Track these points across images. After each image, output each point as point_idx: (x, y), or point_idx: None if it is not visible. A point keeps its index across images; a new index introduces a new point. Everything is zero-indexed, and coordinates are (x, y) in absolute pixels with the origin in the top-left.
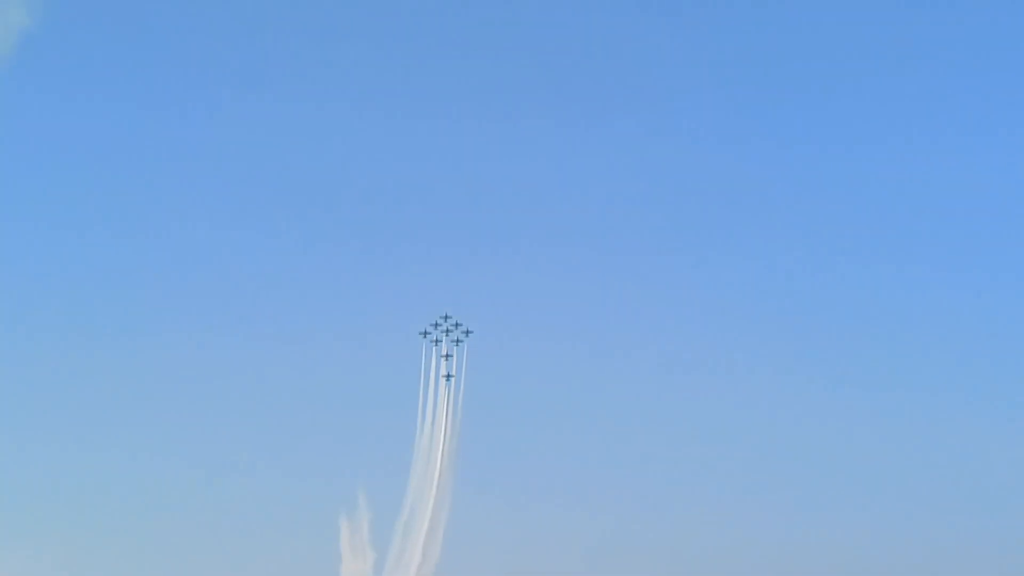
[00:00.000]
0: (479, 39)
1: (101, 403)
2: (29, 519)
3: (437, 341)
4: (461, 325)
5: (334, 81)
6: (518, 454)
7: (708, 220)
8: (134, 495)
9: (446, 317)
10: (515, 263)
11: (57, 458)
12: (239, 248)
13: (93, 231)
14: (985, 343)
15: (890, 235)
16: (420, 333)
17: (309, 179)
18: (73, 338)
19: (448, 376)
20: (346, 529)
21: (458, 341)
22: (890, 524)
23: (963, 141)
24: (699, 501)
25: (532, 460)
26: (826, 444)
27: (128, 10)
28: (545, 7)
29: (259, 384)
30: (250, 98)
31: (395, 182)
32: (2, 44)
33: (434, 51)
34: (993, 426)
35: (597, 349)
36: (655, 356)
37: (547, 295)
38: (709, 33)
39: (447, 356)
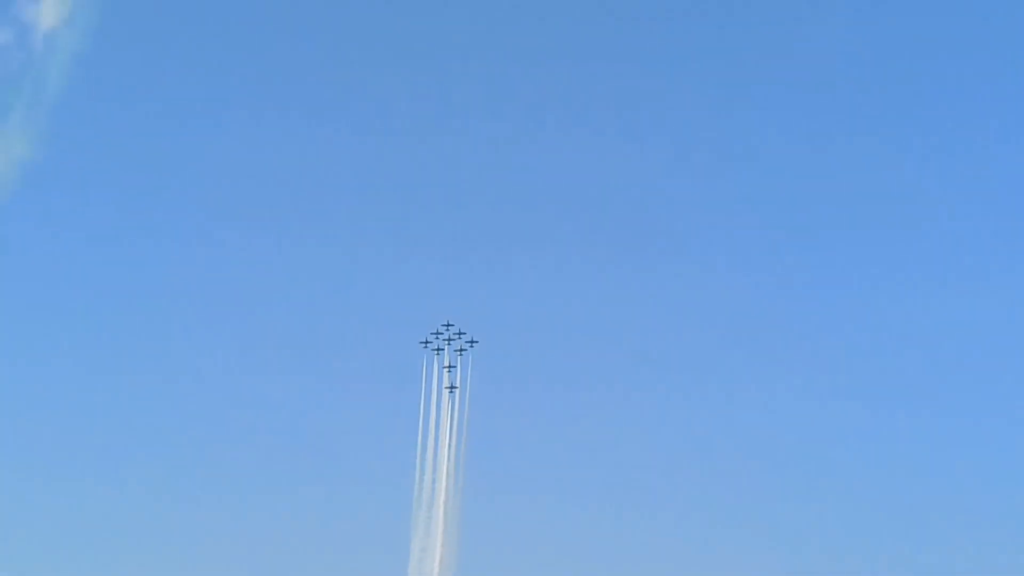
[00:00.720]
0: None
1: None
2: None
3: (439, 350)
4: (464, 334)
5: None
6: (529, 479)
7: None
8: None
9: (448, 325)
10: (522, 266)
11: None
12: (229, 254)
13: (96, 369)
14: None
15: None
16: (420, 343)
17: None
18: (69, 481)
19: (451, 388)
20: None
21: (461, 351)
22: None
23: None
24: (715, 514)
25: (545, 484)
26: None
27: (133, 143)
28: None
29: (242, 407)
30: (257, 237)
31: (395, 178)
32: (4, 176)
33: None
34: None
35: (612, 358)
36: (672, 364)
37: (557, 301)
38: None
39: (449, 367)
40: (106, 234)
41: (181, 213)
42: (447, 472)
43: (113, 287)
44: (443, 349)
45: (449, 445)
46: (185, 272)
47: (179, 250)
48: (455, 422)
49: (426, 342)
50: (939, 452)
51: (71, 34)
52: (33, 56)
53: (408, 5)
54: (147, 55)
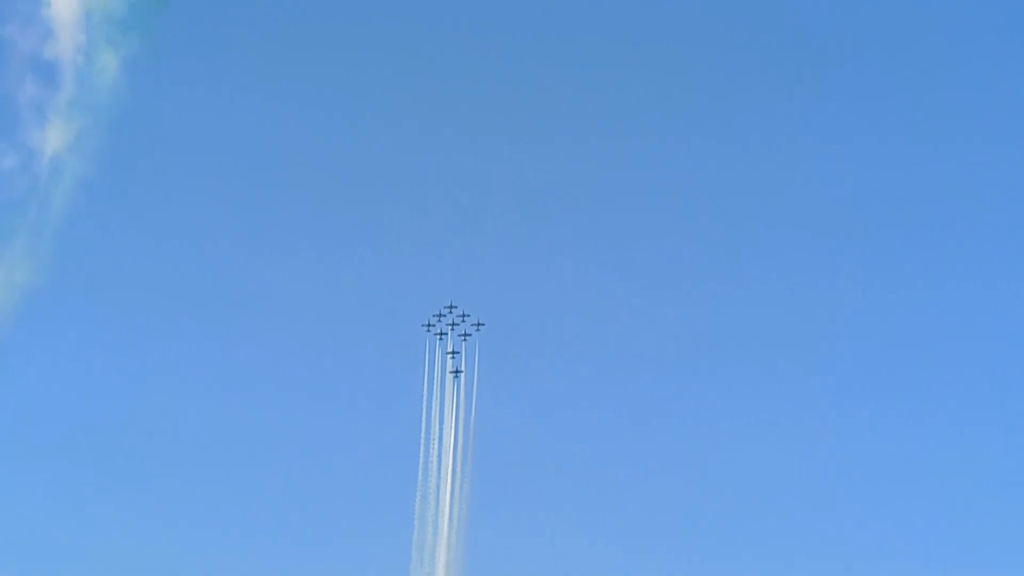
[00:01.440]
0: None
1: None
2: None
3: (442, 335)
4: (469, 316)
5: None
6: (540, 470)
7: None
8: None
9: (451, 307)
10: (531, 242)
11: None
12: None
13: (96, 497)
14: None
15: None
16: (422, 325)
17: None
18: None
19: (456, 372)
20: None
21: (466, 336)
22: None
23: None
24: (729, 511)
25: (557, 476)
26: None
27: (138, 268)
28: None
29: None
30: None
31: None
32: (6, 301)
33: None
34: None
35: (628, 340)
36: (689, 348)
37: (568, 280)
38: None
39: (453, 353)
40: (109, 361)
41: (185, 338)
42: (452, 463)
43: (115, 414)
44: (446, 333)
45: (454, 434)
46: (190, 394)
47: (184, 376)
48: (460, 409)
49: (428, 325)
50: None
51: (76, 159)
52: (38, 181)
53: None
54: (153, 180)
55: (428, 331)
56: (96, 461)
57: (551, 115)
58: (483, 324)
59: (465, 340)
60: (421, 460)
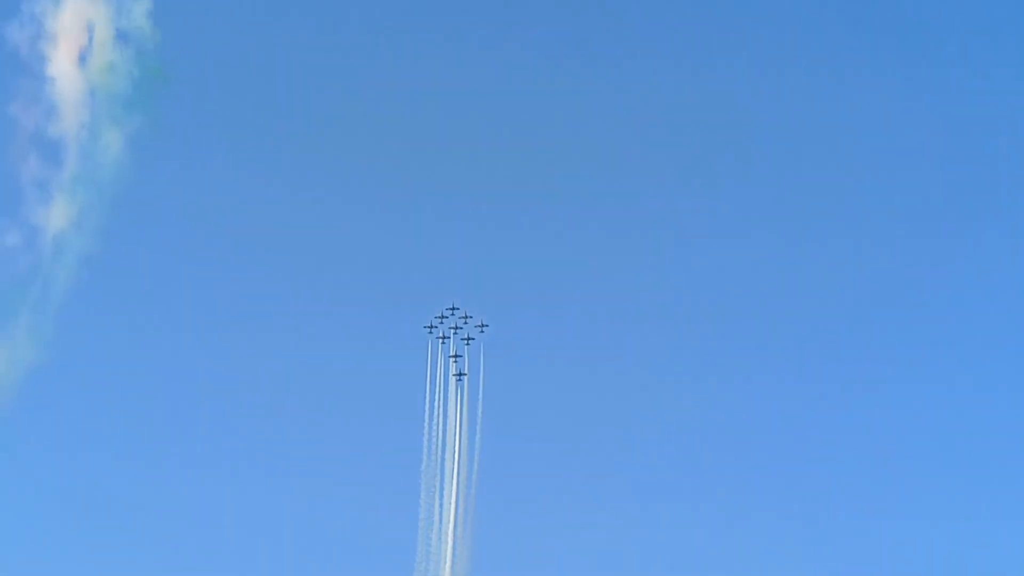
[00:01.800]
0: None
1: None
2: None
3: (444, 338)
4: (472, 318)
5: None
6: (547, 477)
7: None
8: None
9: (453, 309)
10: (536, 240)
11: None
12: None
13: None
14: None
15: None
16: (424, 327)
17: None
18: None
19: (460, 375)
20: None
21: (469, 339)
22: None
23: None
24: (740, 510)
25: (564, 482)
26: None
27: (139, 345)
28: None
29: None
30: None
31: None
32: (8, 379)
33: None
34: None
35: (631, 345)
36: (696, 350)
37: (576, 279)
38: None
39: (456, 357)
40: (112, 437)
41: (187, 416)
42: (456, 469)
43: (118, 490)
44: (449, 336)
45: (458, 440)
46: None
47: (184, 456)
48: (464, 415)
49: (431, 327)
50: None
51: (79, 236)
52: (41, 258)
53: None
54: (156, 257)
55: (430, 333)
56: (98, 536)
57: (552, 115)
58: (487, 326)
59: (468, 343)
60: (424, 467)
